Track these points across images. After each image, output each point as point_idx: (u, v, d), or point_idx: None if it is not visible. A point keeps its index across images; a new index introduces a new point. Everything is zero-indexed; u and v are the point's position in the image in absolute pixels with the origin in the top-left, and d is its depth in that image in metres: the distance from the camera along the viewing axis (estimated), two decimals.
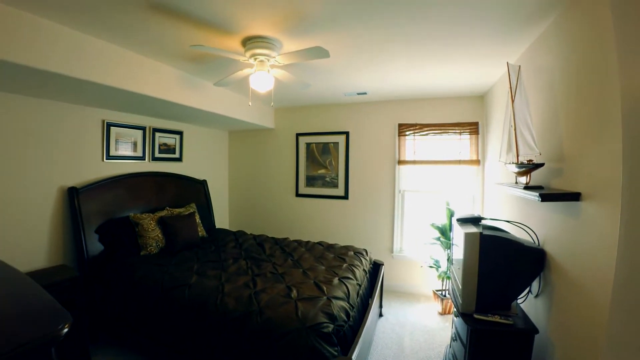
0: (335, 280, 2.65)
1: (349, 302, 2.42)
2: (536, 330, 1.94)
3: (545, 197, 1.73)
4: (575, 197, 1.69)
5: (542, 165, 1.97)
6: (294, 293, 2.39)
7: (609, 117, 1.43)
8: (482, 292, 2.06)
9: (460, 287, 2.14)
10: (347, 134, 4.61)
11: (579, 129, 1.74)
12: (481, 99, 4.00)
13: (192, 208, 4.11)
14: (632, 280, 1.20)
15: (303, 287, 2.49)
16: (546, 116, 2.13)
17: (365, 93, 4.01)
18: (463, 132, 4.08)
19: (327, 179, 4.74)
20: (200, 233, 3.91)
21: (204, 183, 4.78)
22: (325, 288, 2.48)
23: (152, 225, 3.32)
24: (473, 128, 4.03)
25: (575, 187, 1.73)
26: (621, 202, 1.31)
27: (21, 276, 0.91)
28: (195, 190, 4.59)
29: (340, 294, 2.45)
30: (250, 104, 3.22)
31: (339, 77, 3.36)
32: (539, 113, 2.22)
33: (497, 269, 2.03)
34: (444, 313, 3.73)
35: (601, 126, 1.51)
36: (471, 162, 4.04)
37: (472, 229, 2.11)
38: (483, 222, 2.43)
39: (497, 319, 2.01)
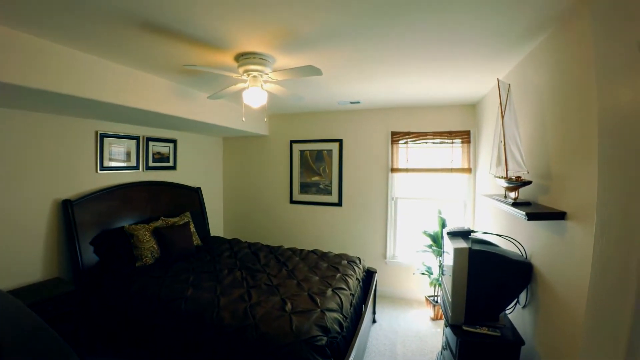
0: (329, 292, 2.70)
1: (342, 313, 2.47)
2: (522, 342, 2.01)
3: (532, 217, 1.78)
4: (560, 216, 1.75)
5: (529, 183, 2.03)
6: (289, 306, 2.43)
7: (592, 139, 1.48)
8: (470, 305, 2.12)
9: (450, 299, 2.20)
10: (340, 141, 4.66)
11: (565, 148, 1.79)
12: (473, 107, 4.07)
13: (187, 217, 4.13)
14: (603, 299, 1.26)
15: (297, 300, 2.53)
16: (535, 133, 2.19)
17: (358, 102, 4.06)
18: (455, 141, 4.15)
19: (321, 186, 4.79)
20: (195, 242, 3.93)
21: (198, 190, 4.80)
22: (319, 300, 2.52)
23: (147, 236, 3.34)
24: (465, 137, 4.10)
25: (561, 205, 1.79)
26: (595, 222, 1.36)
27: (25, 311, 0.93)
28: (189, 198, 4.61)
29: (333, 305, 2.50)
30: (244, 119, 3.25)
31: (333, 89, 3.40)
32: (528, 129, 2.28)
33: (486, 282, 2.09)
34: (435, 318, 3.79)
35: (585, 148, 1.56)
36: (463, 170, 4.11)
37: (462, 244, 2.17)
38: (473, 235, 2.49)
39: (485, 330, 2.07)
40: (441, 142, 4.22)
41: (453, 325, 2.16)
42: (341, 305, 2.56)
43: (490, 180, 3.27)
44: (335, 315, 2.38)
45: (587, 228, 1.53)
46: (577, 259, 1.62)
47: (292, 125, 4.96)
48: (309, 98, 3.84)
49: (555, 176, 1.90)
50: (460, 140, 4.13)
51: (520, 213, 1.86)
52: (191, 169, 4.82)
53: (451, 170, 4.17)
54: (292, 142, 4.95)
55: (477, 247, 2.16)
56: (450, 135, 4.16)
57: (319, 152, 4.78)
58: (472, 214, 4.06)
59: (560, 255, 1.79)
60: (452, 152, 4.18)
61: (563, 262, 1.76)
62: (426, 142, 4.28)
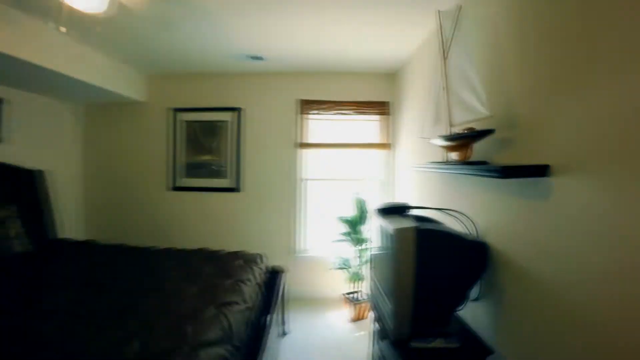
0: (211, 311, 1.77)
1: (231, 344, 1.59)
2: (490, 351, 1.45)
3: (510, 173, 1.22)
4: (541, 171, 1.21)
5: (491, 131, 1.47)
6: (135, 346, 1.45)
7: (590, 65, 1.03)
8: (419, 310, 1.47)
9: (391, 304, 1.52)
10: (239, 110, 3.74)
11: (540, 86, 1.30)
12: (392, 77, 3.62)
13: (10, 212, 2.75)
14: None
15: (155, 331, 1.55)
16: (487, 73, 1.66)
17: (261, 58, 3.21)
18: (373, 113, 3.63)
19: (214, 167, 3.79)
20: (19, 248, 2.61)
21: (37, 175, 3.34)
22: (190, 329, 1.58)
23: None
24: (384, 109, 3.61)
25: (534, 159, 1.27)
26: None
27: None
28: (18, 186, 3.15)
29: (214, 335, 1.59)
30: (64, 29, 1.96)
31: (223, 26, 2.48)
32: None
33: (438, 274, 1.48)
34: (356, 319, 3.23)
35: (578, 78, 1.09)
36: (382, 145, 3.62)
37: (403, 223, 1.50)
38: (410, 211, 1.87)
39: (440, 344, 1.46)
40: (357, 113, 3.65)
41: (396, 342, 1.48)
42: (230, 331, 1.67)
43: (415, 154, 2.80)
44: (217, 350, 1.49)
45: (589, 182, 1.01)
46: (571, 226, 1.10)
47: (177, 88, 3.83)
48: (193, 44, 2.84)
49: (523, 123, 1.38)
50: (378, 112, 3.62)
51: (487, 173, 1.31)
52: (32, 144, 3.36)
53: (369, 145, 3.64)
54: (175, 110, 3.81)
55: (424, 226, 1.52)
56: (368, 106, 3.62)
57: (211, 123, 3.77)
58: (393, 193, 3.58)
59: (539, 226, 1.26)
60: (369, 126, 3.65)
61: (545, 234, 1.22)
62: (341, 114, 3.67)
